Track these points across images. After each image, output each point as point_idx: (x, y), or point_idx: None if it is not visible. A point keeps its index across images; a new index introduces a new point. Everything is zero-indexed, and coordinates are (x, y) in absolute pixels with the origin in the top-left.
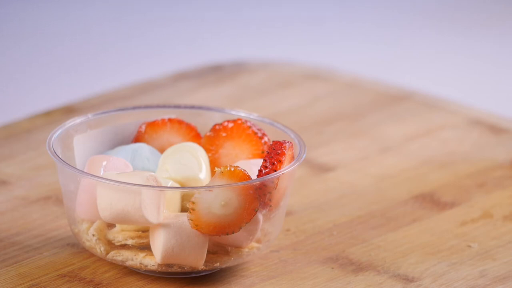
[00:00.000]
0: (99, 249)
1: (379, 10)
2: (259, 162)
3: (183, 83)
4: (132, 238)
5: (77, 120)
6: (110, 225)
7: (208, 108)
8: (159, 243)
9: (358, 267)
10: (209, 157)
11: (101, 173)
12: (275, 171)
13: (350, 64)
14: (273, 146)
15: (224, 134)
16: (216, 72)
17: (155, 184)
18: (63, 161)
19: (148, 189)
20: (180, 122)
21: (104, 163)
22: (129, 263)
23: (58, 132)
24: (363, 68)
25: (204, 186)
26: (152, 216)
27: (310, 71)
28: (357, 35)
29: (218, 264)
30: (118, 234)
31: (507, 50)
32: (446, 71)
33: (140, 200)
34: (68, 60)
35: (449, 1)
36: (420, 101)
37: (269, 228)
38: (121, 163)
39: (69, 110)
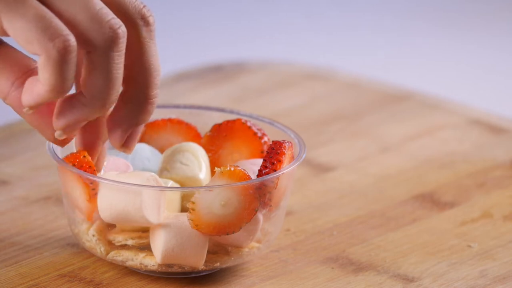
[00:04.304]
0: (99, 249)
1: (379, 10)
2: (259, 162)
3: (183, 83)
4: (132, 238)
5: None
6: (110, 226)
7: (208, 108)
8: (159, 243)
9: (358, 267)
10: (209, 157)
11: (101, 174)
12: (275, 171)
13: (350, 64)
14: (272, 146)
15: (224, 134)
16: (216, 72)
17: (155, 185)
18: (63, 161)
19: (149, 190)
20: (180, 122)
21: (105, 163)
22: (129, 263)
23: None
24: (363, 68)
25: (204, 186)
26: (152, 217)
27: (310, 71)
28: (357, 35)
29: (218, 264)
30: (118, 235)
31: (507, 50)
32: (446, 71)
33: (141, 201)
34: None
35: (449, 1)
36: (420, 101)
37: (269, 228)
38: (122, 163)
39: None
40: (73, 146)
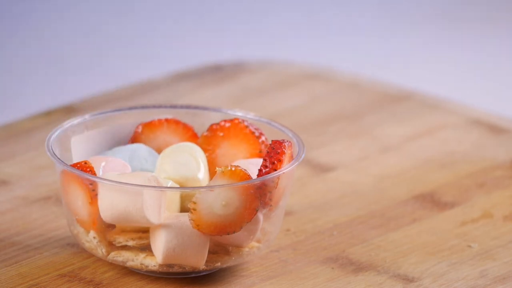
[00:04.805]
0: (100, 250)
1: (379, 10)
2: (257, 161)
3: (183, 83)
4: (133, 239)
5: (74, 121)
6: (110, 226)
7: (205, 108)
8: (160, 243)
9: (358, 267)
10: (206, 157)
11: (100, 174)
12: (275, 170)
13: (350, 64)
14: (272, 145)
15: (221, 134)
16: (216, 72)
17: (156, 185)
18: (63, 162)
19: (150, 190)
20: (176, 122)
21: (103, 164)
22: (130, 263)
23: (56, 133)
24: (363, 68)
25: (206, 186)
26: (153, 217)
27: (310, 71)
28: (357, 35)
29: (219, 264)
30: (119, 235)
31: (507, 50)
32: (446, 71)
33: (142, 201)
34: (68, 60)
35: (449, 1)
36: (420, 101)
37: (269, 227)
38: (120, 164)
39: (69, 110)
40: (71, 147)
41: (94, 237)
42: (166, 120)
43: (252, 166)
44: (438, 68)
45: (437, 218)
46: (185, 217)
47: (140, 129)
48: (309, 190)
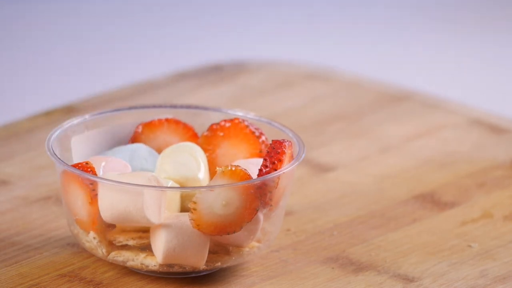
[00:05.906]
0: (101, 250)
1: (379, 9)
2: (257, 161)
3: (183, 83)
4: (133, 238)
5: (74, 121)
6: (110, 226)
7: (205, 108)
8: (160, 243)
9: (358, 267)
10: (206, 156)
11: (100, 174)
12: (276, 170)
13: (350, 64)
14: (273, 145)
15: (221, 134)
16: (216, 72)
17: (157, 185)
18: (64, 162)
19: (150, 190)
20: (177, 122)
21: (103, 164)
22: (130, 263)
23: (56, 133)
24: (363, 68)
25: (206, 186)
26: (153, 217)
27: (310, 71)
28: (357, 35)
29: (219, 263)
30: (119, 235)
31: (508, 50)
32: (446, 71)
33: (142, 201)
34: (68, 60)
35: (449, 1)
36: (420, 101)
37: (269, 227)
38: (120, 163)
39: (69, 110)
40: (71, 147)
41: (94, 237)
42: (166, 120)
43: (252, 166)
44: (438, 68)
45: (437, 218)
46: (185, 217)
47: (140, 129)
48: (309, 190)
